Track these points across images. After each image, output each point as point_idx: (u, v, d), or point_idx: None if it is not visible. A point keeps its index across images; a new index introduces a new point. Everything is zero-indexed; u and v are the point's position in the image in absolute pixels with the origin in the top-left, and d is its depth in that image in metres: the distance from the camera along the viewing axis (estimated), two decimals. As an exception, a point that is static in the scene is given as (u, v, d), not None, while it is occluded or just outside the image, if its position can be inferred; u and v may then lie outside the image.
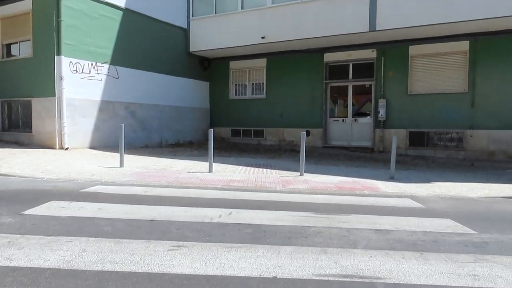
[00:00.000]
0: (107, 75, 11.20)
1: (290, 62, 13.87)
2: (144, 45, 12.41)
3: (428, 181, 7.15)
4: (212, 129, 7.31)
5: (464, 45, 11.31)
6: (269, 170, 7.94)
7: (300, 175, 7.30)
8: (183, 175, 6.94)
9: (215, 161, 8.75)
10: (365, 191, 5.95)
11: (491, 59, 11.00)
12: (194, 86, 14.71)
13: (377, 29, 11.03)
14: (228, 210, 4.36)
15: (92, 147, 10.74)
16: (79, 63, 10.35)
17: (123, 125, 8.12)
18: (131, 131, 11.98)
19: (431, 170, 8.93)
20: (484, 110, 11.15)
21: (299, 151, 11.58)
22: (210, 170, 7.32)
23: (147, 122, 12.61)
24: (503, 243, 3.49)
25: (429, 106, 11.79)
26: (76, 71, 10.30)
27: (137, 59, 12.22)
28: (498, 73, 10.95)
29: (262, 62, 14.41)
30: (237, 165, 8.59)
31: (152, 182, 6.17)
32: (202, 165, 8.10)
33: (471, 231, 3.84)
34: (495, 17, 9.74)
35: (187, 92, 14.32)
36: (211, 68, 15.45)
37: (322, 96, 13.34)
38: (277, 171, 7.90)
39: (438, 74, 11.73)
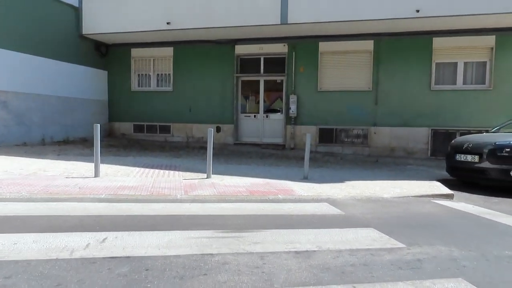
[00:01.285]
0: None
1: (199, 53, 12.73)
2: (22, 22, 10.11)
3: (341, 180, 6.74)
4: (99, 125, 5.89)
5: (369, 44, 11.46)
6: (171, 172, 6.78)
7: (207, 178, 6.30)
8: (58, 181, 5.40)
9: (108, 162, 7.28)
10: (279, 195, 5.21)
11: (394, 59, 11.32)
12: (89, 75, 12.67)
13: (288, 22, 10.52)
14: (103, 235, 3.16)
15: None
16: None
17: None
18: (1, 125, 9.67)
19: (341, 167, 8.69)
20: (386, 107, 11.45)
21: (203, 149, 10.53)
22: (96, 174, 5.88)
23: (25, 116, 10.34)
24: (437, 259, 2.95)
25: (338, 103, 11.76)
26: None
27: (12, 38, 9.89)
28: (400, 73, 11.32)
29: (169, 51, 13.01)
30: (134, 166, 7.23)
31: (8, 194, 4.56)
32: (88, 168, 6.58)
33: (400, 244, 3.27)
34: (397, 18, 9.93)
35: (79, 81, 12.24)
36: (109, 55, 13.51)
37: (233, 90, 12.50)
38: (181, 172, 6.78)
39: (346, 72, 11.74)
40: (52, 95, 11.19)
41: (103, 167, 6.73)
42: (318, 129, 11.90)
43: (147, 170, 6.88)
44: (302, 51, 11.94)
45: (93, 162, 5.94)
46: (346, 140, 11.77)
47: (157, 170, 6.88)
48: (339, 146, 11.78)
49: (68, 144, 10.72)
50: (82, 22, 12.03)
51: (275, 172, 7.38)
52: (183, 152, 10.12)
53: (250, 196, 5.09)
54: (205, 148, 11.28)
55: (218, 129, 12.65)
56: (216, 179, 6.27)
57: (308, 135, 6.88)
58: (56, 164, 7.03)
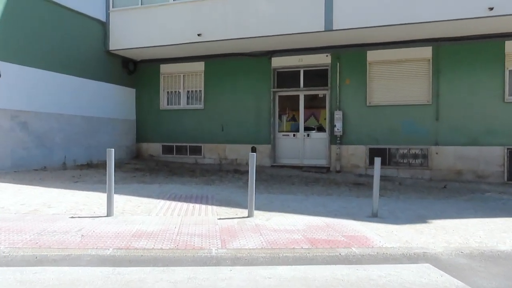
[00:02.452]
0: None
1: (232, 67, 11.51)
2: (44, 37, 9.28)
3: (421, 218, 5.08)
4: (113, 149, 4.61)
5: (427, 51, 9.80)
6: (203, 207, 5.37)
7: (248, 216, 4.83)
8: (58, 225, 4.10)
9: (129, 192, 5.99)
10: (353, 248, 3.64)
11: (457, 67, 9.56)
12: (116, 93, 11.71)
13: (334, 28, 9.10)
14: None
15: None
16: None
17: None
18: (21, 148, 8.71)
19: (406, 196, 6.98)
20: (450, 123, 9.64)
21: (244, 172, 9.21)
22: (109, 213, 4.55)
23: (46, 137, 9.38)
24: None
25: (390, 119, 10.07)
26: None
27: (34, 54, 9.05)
28: (465, 83, 9.53)
29: (200, 66, 11.88)
30: (159, 198, 5.88)
31: (-18, 249, 3.30)
32: (104, 201, 5.30)
33: None
34: (465, 18, 8.27)
35: (106, 100, 11.28)
36: (137, 72, 12.57)
37: (270, 107, 11.11)
38: (215, 207, 5.36)
39: (399, 84, 10.09)
40: (76, 115, 10.23)
41: (121, 200, 5.43)
42: (367, 149, 10.23)
43: (173, 203, 5.51)
44: (347, 62, 10.43)
45: (114, 192, 4.62)
46: (401, 161, 10.01)
47: (185, 204, 5.49)
48: (393, 169, 10.03)
49: (91, 168, 9.63)
50: (109, 37, 11.15)
51: (331, 205, 5.81)
52: (216, 177, 8.74)
53: (313, 251, 3.55)
54: (240, 172, 9.96)
55: (253, 150, 11.25)
56: (260, 217, 4.79)
57: (377, 159, 5.32)
58: (67, 196, 5.80)
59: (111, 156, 4.44)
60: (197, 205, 5.42)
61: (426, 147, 9.80)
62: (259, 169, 10.43)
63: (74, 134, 10.15)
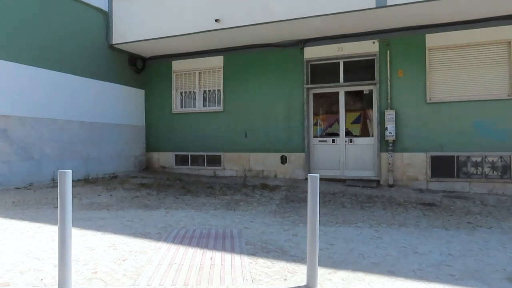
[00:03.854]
0: None
1: (257, 61, 9.53)
2: (35, 26, 7.54)
3: None
4: (69, 172, 2.65)
5: (507, 31, 7.56)
6: (227, 258, 3.31)
7: (308, 285, 2.74)
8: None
9: (120, 228, 4.02)
10: None
11: (550, 50, 7.31)
12: (122, 95, 9.90)
13: (388, 3, 7.00)
14: None
15: None
16: None
17: None
18: (0, 162, 6.93)
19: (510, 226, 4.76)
20: (540, 123, 7.36)
21: (274, 188, 7.27)
22: (61, 286, 2.55)
23: (34, 147, 7.58)
24: None
25: (459, 119, 7.85)
26: None
27: (19, 46, 7.31)
28: (561, 70, 7.26)
29: (218, 61, 9.96)
30: (161, 239, 3.87)
31: None
32: (77, 249, 3.34)
33: None
34: None
35: (110, 103, 9.48)
36: (147, 70, 10.75)
37: (303, 107, 9.05)
38: (246, 259, 3.29)
39: (469, 74, 7.86)
40: (73, 120, 8.44)
41: (101, 246, 3.46)
42: (429, 157, 8.01)
43: (180, 251, 3.48)
44: (400, 49, 8.29)
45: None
46: (474, 172, 7.74)
47: (199, 253, 3.44)
48: (463, 182, 7.77)
49: (88, 184, 7.78)
50: (112, 29, 9.37)
51: (422, 248, 3.66)
52: (241, 197, 6.71)
53: None
54: (269, 188, 7.82)
55: (283, 160, 9.20)
56: (328, 286, 2.71)
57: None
58: (27, 235, 3.86)
59: (64, 181, 2.46)
60: (217, 255, 3.37)
61: (508, 153, 7.51)
62: (292, 183, 8.35)
63: (70, 144, 8.34)
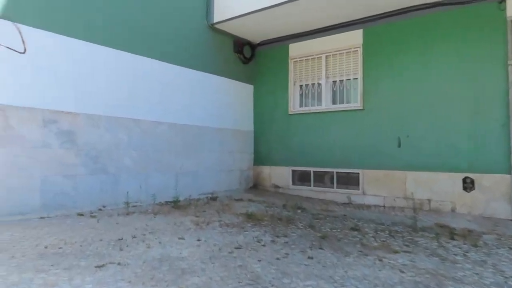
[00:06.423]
0: (-5, 44, 4.42)
1: (418, 30, 6.08)
2: (118, 8, 5.62)
3: None
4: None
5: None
6: None
7: None
8: None
9: None
10: None
11: None
12: (225, 90, 7.50)
13: None
14: None
15: None
16: None
17: None
18: (60, 175, 4.94)
19: None
20: None
21: (465, 236, 2.54)
22: None
23: (108, 156, 5.51)
24: None
25: None
26: None
27: (89, 21, 5.41)
28: None
29: (354, 37, 6.79)
30: None
31: None
32: None
33: None
34: None
35: (209, 100, 7.14)
36: (256, 60, 8.21)
37: (505, 98, 5.23)
38: None
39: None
40: (161, 122, 6.26)
41: None
42: None
43: None
44: None
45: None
46: None
47: None
48: None
49: (177, 209, 5.36)
50: (214, 4, 7.06)
51: None
52: (429, 261, 3.31)
53: None
54: (460, 235, 3.70)
55: (467, 184, 5.47)
56: None
57: None
58: None
59: None
60: None
61: None
62: (493, 227, 4.56)
63: (156, 152, 6.14)
